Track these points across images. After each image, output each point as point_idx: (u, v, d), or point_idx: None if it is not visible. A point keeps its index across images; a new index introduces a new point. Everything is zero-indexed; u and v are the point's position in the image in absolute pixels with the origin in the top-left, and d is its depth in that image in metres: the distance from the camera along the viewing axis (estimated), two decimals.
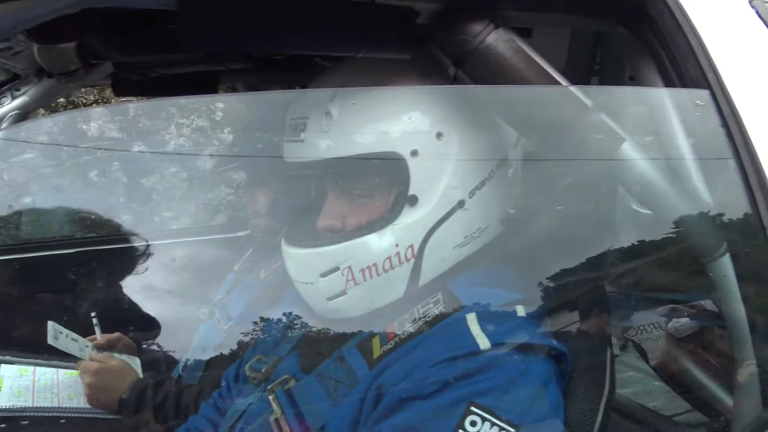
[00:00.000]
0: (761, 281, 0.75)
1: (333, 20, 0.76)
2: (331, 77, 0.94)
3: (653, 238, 0.90)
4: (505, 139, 0.92)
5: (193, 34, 0.71)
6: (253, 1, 0.70)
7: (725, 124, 0.76)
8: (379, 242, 0.87)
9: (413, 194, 0.87)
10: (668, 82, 0.84)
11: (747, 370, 0.79)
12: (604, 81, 1.05)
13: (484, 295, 0.90)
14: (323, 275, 0.89)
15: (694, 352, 1.20)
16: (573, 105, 0.81)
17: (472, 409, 0.77)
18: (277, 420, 0.90)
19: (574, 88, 0.81)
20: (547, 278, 0.92)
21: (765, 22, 0.86)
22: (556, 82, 0.82)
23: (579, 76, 1.10)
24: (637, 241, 0.92)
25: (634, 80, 0.94)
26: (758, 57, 0.83)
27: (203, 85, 1.36)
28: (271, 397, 0.92)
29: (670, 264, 0.89)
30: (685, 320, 1.16)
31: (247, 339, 1.18)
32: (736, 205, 0.76)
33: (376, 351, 0.89)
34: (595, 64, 1.09)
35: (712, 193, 0.79)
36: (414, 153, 0.87)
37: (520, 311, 0.88)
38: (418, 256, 0.88)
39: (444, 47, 0.83)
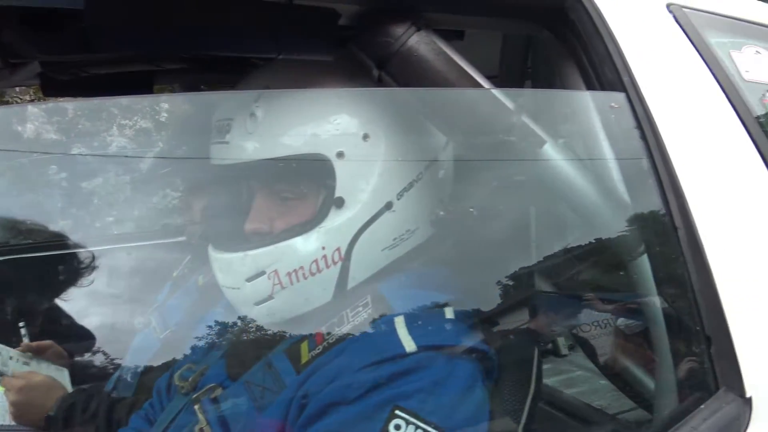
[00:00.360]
0: (674, 281, 0.78)
1: (248, 21, 0.76)
2: (257, 78, 0.94)
3: (580, 238, 0.93)
4: (434, 141, 0.94)
5: (102, 34, 0.71)
6: (163, 1, 0.70)
7: (639, 126, 0.79)
8: (306, 245, 0.88)
9: (339, 196, 0.88)
10: (589, 85, 0.87)
11: (664, 367, 0.82)
12: (537, 84, 1.09)
13: (413, 298, 0.92)
14: (249, 280, 0.89)
15: (639, 349, 1.24)
16: (495, 107, 0.83)
17: (396, 412, 0.78)
18: (202, 430, 0.89)
19: (496, 91, 0.83)
20: (477, 279, 0.94)
21: (682, 27, 0.90)
22: (479, 85, 0.84)
23: (512, 80, 1.12)
24: (565, 241, 0.95)
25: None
26: (674, 61, 0.87)
27: (137, 85, 1.34)
28: (196, 407, 0.92)
29: (599, 263, 0.92)
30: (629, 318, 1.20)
31: (182, 347, 1.17)
32: (651, 206, 0.79)
33: (304, 356, 0.90)
34: (527, 68, 1.12)
35: (631, 195, 0.83)
36: (340, 155, 0.88)
37: (449, 313, 0.90)
38: (346, 259, 0.89)
39: (367, 49, 0.85)
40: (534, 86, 1.10)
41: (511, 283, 0.95)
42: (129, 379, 1.27)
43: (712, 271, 0.75)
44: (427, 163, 0.94)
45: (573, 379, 1.76)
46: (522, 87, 1.13)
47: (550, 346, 1.66)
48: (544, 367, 1.86)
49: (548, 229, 0.99)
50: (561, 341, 1.68)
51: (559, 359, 1.71)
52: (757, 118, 0.89)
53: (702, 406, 0.73)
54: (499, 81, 1.18)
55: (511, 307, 0.95)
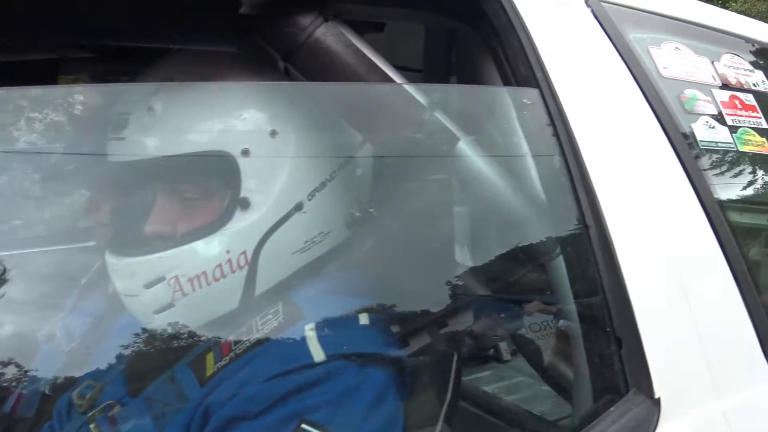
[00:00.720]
0: (586, 281, 0.81)
1: (139, 8, 0.75)
2: (157, 70, 0.93)
3: (499, 238, 0.95)
4: (348, 138, 0.95)
5: None
6: None
7: (552, 123, 0.82)
8: (209, 249, 0.87)
9: (245, 197, 0.88)
10: (506, 81, 0.89)
11: (580, 369, 0.85)
12: (462, 80, 1.11)
13: (326, 304, 0.92)
14: (148, 286, 0.88)
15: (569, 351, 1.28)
16: (407, 103, 0.84)
17: (303, 426, 0.79)
18: None
19: (408, 86, 0.85)
20: (395, 283, 0.95)
21: (600, 22, 0.94)
22: (391, 79, 0.85)
23: (437, 75, 1.15)
24: (485, 242, 0.97)
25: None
26: (590, 56, 0.90)
27: (39, 75, 1.31)
28: (92, 426, 0.90)
29: (518, 264, 0.95)
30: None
31: (86, 361, 1.15)
32: (564, 205, 0.82)
33: (209, 368, 0.89)
34: (452, 63, 1.15)
35: (546, 193, 0.85)
36: (245, 152, 0.87)
37: (363, 319, 0.91)
38: (253, 264, 0.89)
39: (272, 40, 0.85)
40: (459, 82, 1.12)
41: (430, 286, 0.97)
42: (30, 398, 1.23)
43: (623, 271, 0.78)
44: (341, 162, 0.94)
45: (515, 386, 1.80)
46: (447, 82, 1.16)
47: (492, 351, 1.69)
48: (485, 374, 1.90)
49: (467, 230, 1.01)
50: (503, 346, 1.71)
51: (501, 365, 1.74)
52: (674, 115, 0.93)
53: (612, 409, 0.76)
54: (423, 76, 1.20)
55: (430, 311, 0.96)
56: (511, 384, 1.76)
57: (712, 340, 0.83)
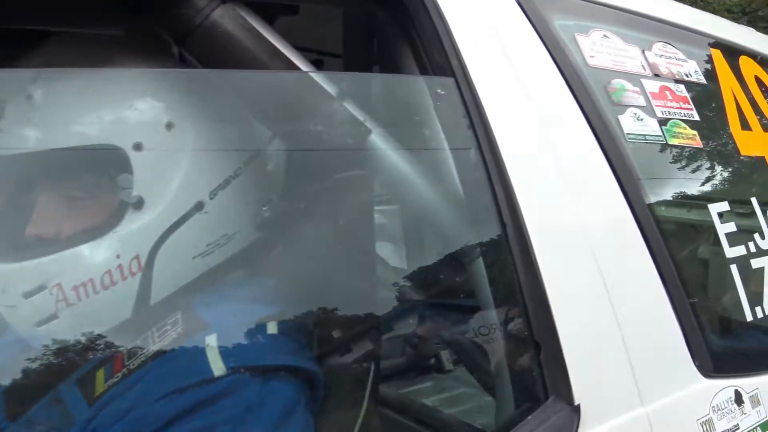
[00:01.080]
0: (504, 282, 0.83)
1: None
2: (39, 55, 0.90)
3: (419, 238, 0.96)
4: (256, 131, 0.94)
5: None
6: None
7: (468, 115, 0.83)
8: (96, 253, 0.85)
9: (138, 195, 0.86)
10: (422, 69, 0.90)
11: (502, 376, 0.86)
12: (385, 69, 1.11)
13: (232, 312, 0.92)
14: (27, 296, 0.85)
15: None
16: (313, 92, 0.84)
17: None
18: None
19: (315, 74, 0.85)
20: (308, 289, 0.95)
21: (522, 7, 0.95)
22: (296, 67, 0.85)
23: (358, 62, 1.15)
24: (405, 242, 0.98)
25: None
26: (511, 44, 0.92)
27: None
28: None
29: (441, 265, 0.96)
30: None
31: None
32: (481, 201, 0.84)
33: (100, 386, 0.87)
34: (373, 51, 1.15)
35: (464, 189, 0.86)
36: (137, 146, 0.86)
37: (272, 328, 0.90)
38: (147, 269, 0.87)
39: (164, 22, 0.84)
40: (382, 71, 1.13)
41: (349, 291, 0.97)
42: None
43: (541, 271, 0.80)
44: (248, 157, 0.94)
45: (457, 397, 1.81)
46: (370, 71, 1.16)
47: (432, 361, 1.70)
48: (426, 384, 1.91)
49: (387, 230, 1.01)
50: (445, 355, 1.72)
51: (443, 375, 1.75)
52: (600, 106, 0.96)
53: (530, 417, 0.78)
54: (344, 63, 1.20)
55: (348, 318, 0.97)
56: (452, 396, 1.77)
57: (637, 341, 0.86)
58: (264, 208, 0.95)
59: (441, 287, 0.93)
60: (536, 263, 0.81)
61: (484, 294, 0.87)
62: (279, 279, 0.96)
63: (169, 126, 0.87)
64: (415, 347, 1.09)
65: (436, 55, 0.87)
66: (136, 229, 0.86)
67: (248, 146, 0.94)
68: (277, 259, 0.98)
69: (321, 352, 0.93)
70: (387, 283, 1.00)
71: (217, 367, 0.83)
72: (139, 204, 0.87)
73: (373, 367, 0.94)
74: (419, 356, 1.43)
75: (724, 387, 0.93)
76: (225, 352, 0.85)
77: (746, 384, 0.95)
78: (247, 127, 0.94)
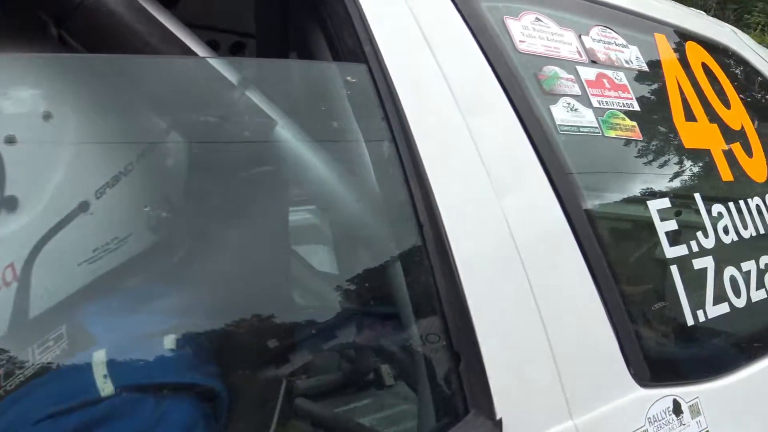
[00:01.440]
0: (422, 288, 0.85)
1: None
2: None
3: (336, 241, 0.97)
4: (149, 123, 0.94)
5: None
6: None
7: (381, 105, 0.85)
8: None
9: (11, 195, 0.85)
10: (335, 55, 0.91)
11: (422, 389, 0.88)
12: (301, 56, 1.12)
13: (124, 325, 0.91)
14: None
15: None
16: (211, 80, 0.85)
17: None
18: None
19: (213, 60, 0.85)
20: (213, 298, 0.95)
21: None
22: (191, 51, 0.85)
23: (273, 45, 1.15)
24: (323, 245, 0.99)
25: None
26: (431, 28, 0.94)
27: None
28: None
29: (358, 270, 0.97)
30: None
31: None
32: (396, 199, 0.85)
33: None
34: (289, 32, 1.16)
35: (379, 186, 0.88)
36: (10, 140, 0.85)
37: (169, 342, 0.90)
38: (23, 279, 0.86)
39: (41, 1, 0.83)
40: (299, 57, 1.13)
41: (258, 300, 0.97)
42: None
43: (460, 275, 0.82)
44: (140, 152, 0.93)
45: (401, 414, 1.83)
46: (287, 56, 1.16)
47: (372, 376, 1.71)
48: (365, 402, 1.92)
49: (299, 230, 1.02)
50: (385, 369, 1.74)
51: (382, 392, 1.76)
52: (530, 95, 0.98)
53: None
54: (257, 46, 1.21)
55: (257, 329, 0.97)
56: (394, 413, 1.79)
57: (566, 350, 0.89)
58: (161, 209, 0.95)
59: (358, 294, 0.94)
60: (456, 267, 0.83)
61: (403, 301, 0.89)
62: (180, 287, 0.96)
63: (46, 116, 0.87)
64: (343, 359, 1.10)
65: (347, 39, 0.88)
66: (10, 234, 0.86)
67: (140, 139, 0.93)
68: (177, 265, 0.97)
69: (227, 367, 0.94)
70: (307, 289, 1.01)
71: (105, 387, 0.83)
72: (12, 205, 0.86)
73: (285, 384, 0.95)
74: (351, 370, 1.45)
75: (662, 396, 0.97)
76: (115, 370, 0.85)
77: (686, 393, 0.99)
78: (139, 118, 0.93)
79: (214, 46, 1.36)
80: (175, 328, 0.92)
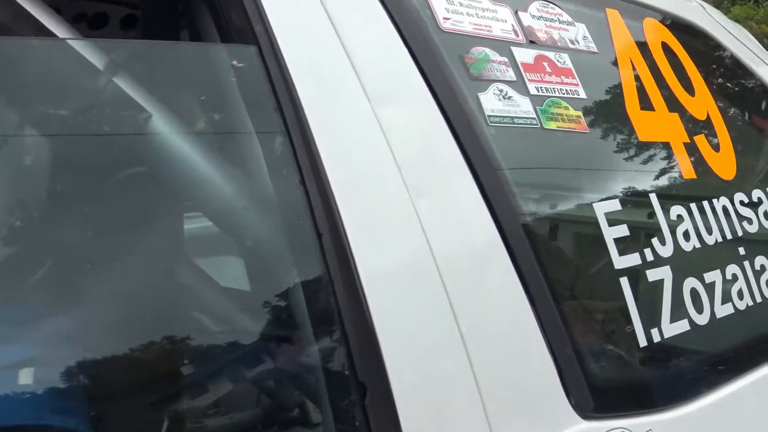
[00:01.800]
0: (322, 308, 0.82)
1: None
2: None
3: (226, 252, 0.94)
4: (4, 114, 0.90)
5: None
6: None
7: (273, 93, 0.82)
8: None
9: None
10: (223, 36, 0.88)
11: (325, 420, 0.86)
12: (193, 37, 1.09)
13: None
14: None
15: None
16: (72, 65, 0.81)
17: None
18: None
19: (75, 42, 0.82)
20: (81, 322, 0.91)
21: None
22: (49, 32, 0.82)
23: (160, 24, 1.13)
24: (213, 258, 0.96)
25: None
26: (334, 4, 0.91)
27: None
28: None
29: (255, 290, 0.94)
30: None
31: None
32: (291, 203, 0.83)
33: None
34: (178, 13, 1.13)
35: (274, 187, 0.85)
36: None
37: (25, 376, 0.87)
38: None
39: None
40: (190, 36, 1.10)
41: (138, 323, 0.94)
42: None
43: (366, 294, 0.80)
44: None
45: None
46: (178, 34, 1.13)
47: (296, 411, 1.68)
48: None
49: (191, 242, 0.99)
50: (311, 405, 1.71)
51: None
52: (454, 80, 0.96)
53: None
54: (142, 24, 1.17)
55: (136, 358, 0.94)
56: None
57: (493, 378, 0.87)
58: (15, 217, 0.92)
59: (248, 316, 0.91)
60: (360, 284, 0.80)
61: (300, 323, 0.86)
62: (40, 310, 0.92)
63: None
64: (230, 395, 1.07)
65: (235, 17, 0.86)
66: None
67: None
68: (38, 283, 0.93)
69: (95, 406, 0.90)
70: (190, 310, 0.98)
71: None
72: None
73: (167, 422, 0.92)
74: (237, 406, 1.42)
75: (609, 430, 0.95)
76: None
77: (637, 424, 0.98)
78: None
79: (102, 19, 1.32)
80: (32, 360, 0.89)
